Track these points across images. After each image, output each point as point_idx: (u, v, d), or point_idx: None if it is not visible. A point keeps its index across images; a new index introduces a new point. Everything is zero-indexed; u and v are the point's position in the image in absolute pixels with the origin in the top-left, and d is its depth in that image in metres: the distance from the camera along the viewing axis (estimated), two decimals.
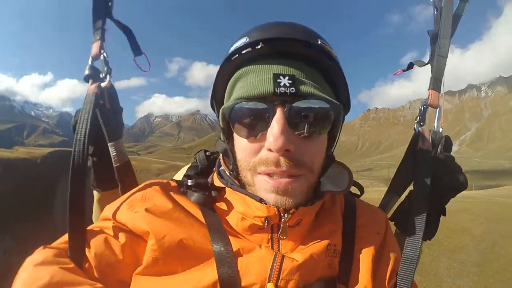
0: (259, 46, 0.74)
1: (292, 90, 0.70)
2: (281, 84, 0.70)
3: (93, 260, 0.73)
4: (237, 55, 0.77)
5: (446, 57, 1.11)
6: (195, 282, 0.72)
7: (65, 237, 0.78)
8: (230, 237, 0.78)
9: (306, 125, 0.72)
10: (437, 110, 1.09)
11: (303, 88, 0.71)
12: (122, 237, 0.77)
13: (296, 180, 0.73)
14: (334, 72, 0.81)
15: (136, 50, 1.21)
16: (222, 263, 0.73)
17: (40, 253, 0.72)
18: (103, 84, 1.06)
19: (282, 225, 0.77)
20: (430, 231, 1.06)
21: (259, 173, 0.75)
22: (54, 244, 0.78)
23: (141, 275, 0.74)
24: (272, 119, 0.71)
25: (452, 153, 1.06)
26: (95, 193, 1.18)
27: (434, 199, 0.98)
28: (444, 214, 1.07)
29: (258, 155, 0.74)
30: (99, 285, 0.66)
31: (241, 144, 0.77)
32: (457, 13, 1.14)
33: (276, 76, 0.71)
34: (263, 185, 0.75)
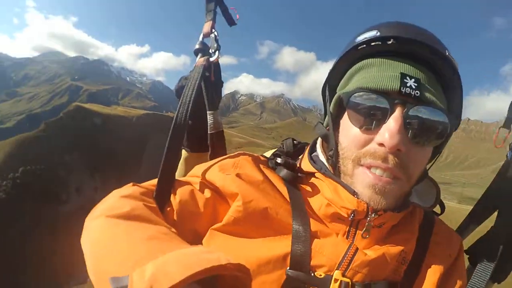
0: (390, 42, 0.74)
1: (417, 93, 0.70)
2: (407, 84, 0.70)
3: (176, 206, 0.80)
4: (364, 46, 0.77)
5: None
6: (267, 249, 0.75)
7: (155, 180, 0.86)
8: (310, 219, 0.80)
9: (421, 132, 0.72)
10: None
11: (427, 94, 0.71)
12: (207, 192, 0.83)
13: (395, 182, 0.73)
14: (453, 86, 0.80)
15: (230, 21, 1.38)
16: (298, 240, 0.75)
17: (128, 188, 0.79)
18: (211, 59, 1.18)
19: (367, 224, 0.77)
20: (500, 274, 0.99)
21: (361, 165, 0.75)
22: (143, 184, 0.84)
23: (218, 231, 0.79)
24: (390, 116, 0.71)
25: None
26: (183, 152, 1.29)
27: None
28: None
29: (366, 147, 0.74)
30: (173, 229, 0.67)
31: (350, 132, 0.76)
32: None
33: (403, 76, 0.71)
34: (362, 178, 0.75)
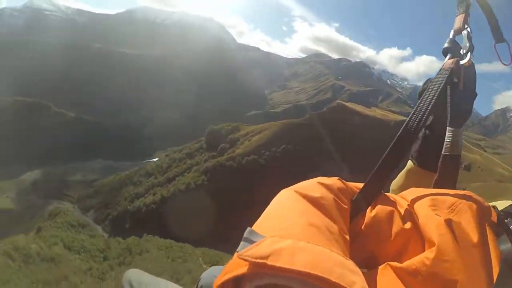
0: None
1: None
2: None
3: (369, 219, 0.71)
4: None
5: None
6: None
7: (360, 184, 0.79)
8: None
9: None
10: None
11: None
12: (408, 224, 0.69)
13: None
14: None
15: (497, 35, 1.05)
16: None
17: (331, 179, 0.77)
18: (461, 62, 0.98)
19: None
20: None
21: None
22: (348, 182, 0.81)
23: (393, 270, 0.62)
24: None
25: None
26: (409, 162, 1.14)
27: None
28: None
29: None
30: (347, 235, 0.63)
31: None
32: None
33: None
34: None
